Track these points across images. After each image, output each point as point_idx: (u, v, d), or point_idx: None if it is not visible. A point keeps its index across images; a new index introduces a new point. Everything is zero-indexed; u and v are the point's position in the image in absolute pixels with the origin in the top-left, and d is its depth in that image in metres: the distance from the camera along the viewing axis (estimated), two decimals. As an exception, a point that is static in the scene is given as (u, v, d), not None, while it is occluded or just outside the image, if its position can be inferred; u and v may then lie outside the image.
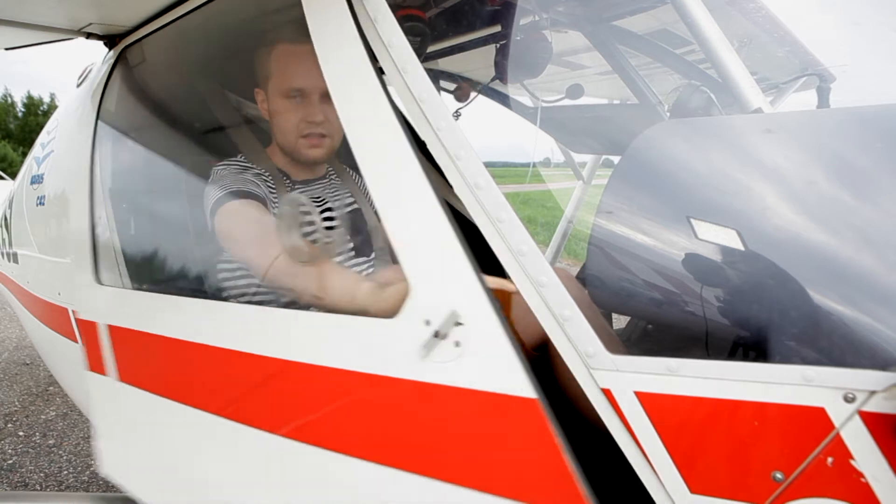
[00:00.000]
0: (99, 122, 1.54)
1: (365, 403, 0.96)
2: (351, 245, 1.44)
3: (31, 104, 38.92)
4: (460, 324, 0.83)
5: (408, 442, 0.91)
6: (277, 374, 1.07)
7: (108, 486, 2.63)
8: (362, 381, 0.94)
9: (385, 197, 0.91)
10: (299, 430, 1.04)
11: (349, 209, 1.50)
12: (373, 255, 1.53)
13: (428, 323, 0.85)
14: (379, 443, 0.94)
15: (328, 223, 1.40)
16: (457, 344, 0.84)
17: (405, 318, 0.88)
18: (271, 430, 1.08)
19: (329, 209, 1.43)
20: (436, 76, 2.11)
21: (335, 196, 1.50)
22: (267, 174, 1.35)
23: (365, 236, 1.52)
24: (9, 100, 39.80)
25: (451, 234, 0.84)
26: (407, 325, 0.88)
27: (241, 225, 1.23)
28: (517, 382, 0.79)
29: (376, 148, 0.91)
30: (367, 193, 1.69)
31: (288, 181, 1.40)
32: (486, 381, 0.82)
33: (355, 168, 1.73)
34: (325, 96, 1.31)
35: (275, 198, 1.32)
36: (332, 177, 1.56)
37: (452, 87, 2.00)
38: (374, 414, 0.95)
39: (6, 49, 1.70)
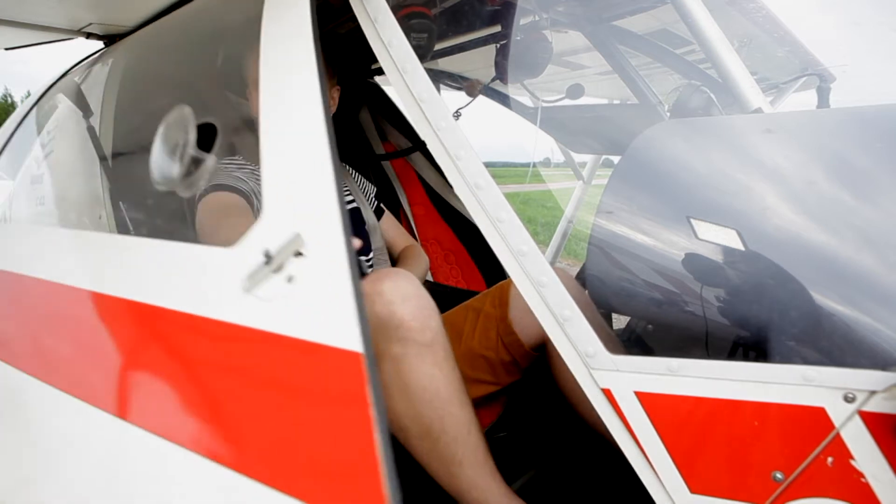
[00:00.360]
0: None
1: (170, 355, 0.79)
2: None
3: (31, 104, 38.89)
4: (301, 255, 0.68)
5: (205, 414, 0.75)
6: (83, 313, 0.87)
7: (108, 486, 2.62)
8: (175, 322, 0.78)
9: (267, 109, 0.79)
10: (96, 393, 0.85)
11: (348, 208, 1.50)
12: (371, 255, 1.54)
13: (266, 254, 0.70)
14: (172, 413, 0.77)
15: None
16: (289, 279, 0.69)
17: (244, 245, 0.74)
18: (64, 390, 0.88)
19: None
20: (436, 76, 2.11)
21: None
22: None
23: (364, 235, 1.52)
24: (9, 100, 39.81)
25: (323, 154, 0.70)
26: (242, 255, 0.72)
27: (212, 216, 1.22)
28: (344, 331, 0.64)
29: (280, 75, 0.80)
30: (367, 193, 1.68)
31: None
32: (312, 328, 0.67)
33: (356, 168, 1.73)
34: None
35: None
36: None
37: (460, 84, 2.01)
38: (176, 369, 0.78)
39: (6, 49, 1.70)
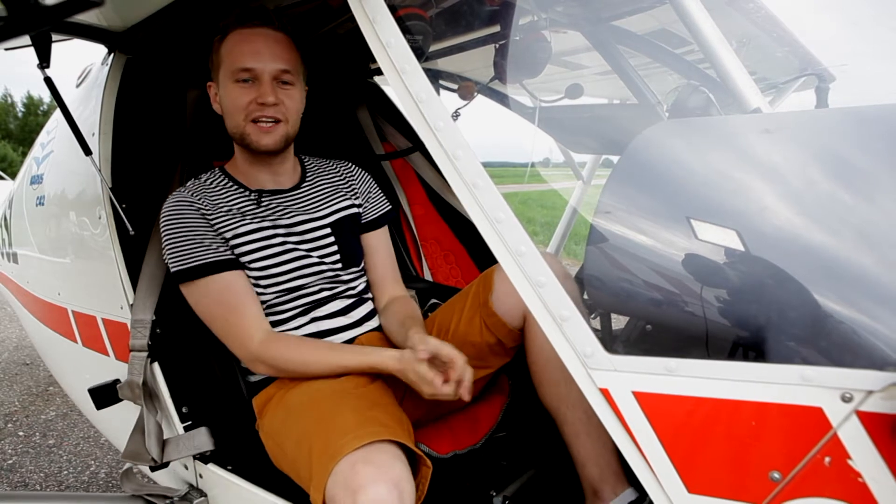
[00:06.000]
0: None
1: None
2: (338, 257, 1.35)
3: (31, 104, 38.92)
4: None
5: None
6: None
7: (108, 485, 2.62)
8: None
9: None
10: None
11: (330, 220, 1.37)
12: (362, 266, 1.42)
13: None
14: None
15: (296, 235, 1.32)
16: None
17: None
18: None
19: (301, 222, 1.33)
20: (434, 76, 2.11)
21: (309, 208, 1.37)
22: (215, 196, 1.30)
23: (350, 248, 1.39)
24: (9, 100, 39.83)
25: None
26: None
27: (213, 308, 1.22)
28: None
29: None
30: (353, 203, 1.45)
31: (247, 191, 1.32)
32: None
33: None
34: (279, 78, 1.23)
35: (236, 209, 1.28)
36: (308, 188, 1.41)
37: (455, 85, 1.99)
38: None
39: (6, 49, 1.70)
